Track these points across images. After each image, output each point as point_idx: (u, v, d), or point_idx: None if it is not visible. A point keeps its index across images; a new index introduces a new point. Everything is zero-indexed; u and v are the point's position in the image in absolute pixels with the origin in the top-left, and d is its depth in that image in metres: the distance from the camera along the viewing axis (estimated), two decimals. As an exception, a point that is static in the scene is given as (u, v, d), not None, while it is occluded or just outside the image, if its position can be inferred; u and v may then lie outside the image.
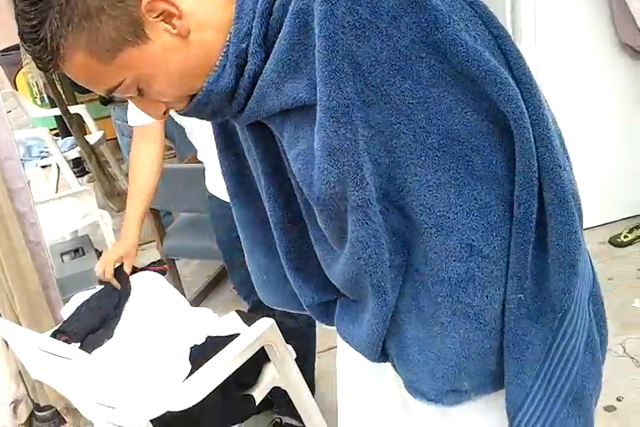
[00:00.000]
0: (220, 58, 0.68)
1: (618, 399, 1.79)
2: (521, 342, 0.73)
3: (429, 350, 0.77)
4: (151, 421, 1.24)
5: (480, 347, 0.74)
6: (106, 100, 2.96)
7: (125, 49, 0.65)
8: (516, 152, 0.67)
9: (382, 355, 0.83)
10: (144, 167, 1.63)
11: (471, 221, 0.69)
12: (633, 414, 1.74)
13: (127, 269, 1.59)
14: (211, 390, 1.26)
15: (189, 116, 0.75)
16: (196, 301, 2.55)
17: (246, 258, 0.96)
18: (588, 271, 0.76)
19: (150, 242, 2.99)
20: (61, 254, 2.43)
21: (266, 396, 1.56)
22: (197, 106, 0.72)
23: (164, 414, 1.22)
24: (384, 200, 0.70)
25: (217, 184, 1.65)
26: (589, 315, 0.76)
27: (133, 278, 1.63)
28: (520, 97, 0.66)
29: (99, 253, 2.34)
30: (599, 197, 2.60)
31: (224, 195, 1.58)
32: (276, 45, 0.67)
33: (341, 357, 1.01)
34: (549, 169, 0.68)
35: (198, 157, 1.79)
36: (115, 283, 1.56)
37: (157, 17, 0.65)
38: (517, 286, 0.71)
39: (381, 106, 0.65)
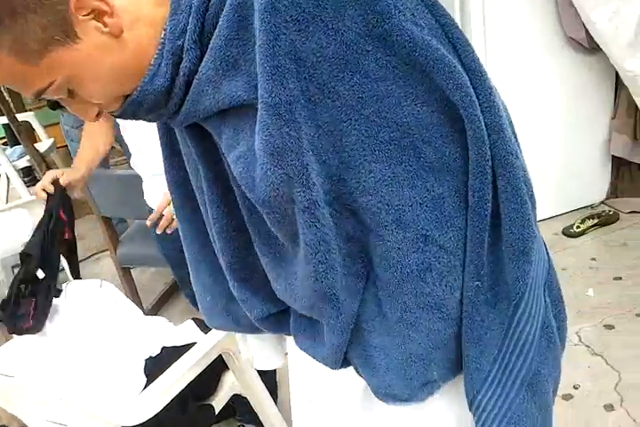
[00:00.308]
0: (155, 56, 0.65)
1: (574, 387, 1.82)
2: (479, 328, 0.73)
3: (397, 355, 0.76)
4: (105, 438, 1.21)
5: (444, 335, 0.74)
6: (54, 105, 2.87)
7: (54, 49, 0.61)
8: (468, 141, 0.66)
9: (344, 362, 0.81)
10: (97, 134, 1.71)
11: (424, 212, 0.68)
12: (589, 402, 1.77)
13: (62, 181, 1.66)
14: (167, 403, 1.23)
15: (124, 118, 0.71)
16: (154, 309, 2.50)
17: (191, 277, 0.93)
18: (542, 259, 0.76)
19: (104, 251, 2.93)
20: (12, 267, 2.36)
21: (228, 403, 1.54)
22: (131, 106, 0.68)
23: (119, 431, 1.20)
24: (335, 203, 0.68)
25: (156, 197, 1.59)
26: (545, 302, 0.76)
27: (82, 287, 1.61)
28: (469, 85, 0.65)
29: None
30: (550, 189, 2.66)
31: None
32: (212, 41, 0.64)
33: (292, 350, 0.96)
34: (502, 157, 0.67)
35: (131, 165, 1.72)
36: (49, 188, 1.65)
37: (88, 15, 0.61)
38: (475, 274, 0.71)
39: (329, 104, 0.63)
